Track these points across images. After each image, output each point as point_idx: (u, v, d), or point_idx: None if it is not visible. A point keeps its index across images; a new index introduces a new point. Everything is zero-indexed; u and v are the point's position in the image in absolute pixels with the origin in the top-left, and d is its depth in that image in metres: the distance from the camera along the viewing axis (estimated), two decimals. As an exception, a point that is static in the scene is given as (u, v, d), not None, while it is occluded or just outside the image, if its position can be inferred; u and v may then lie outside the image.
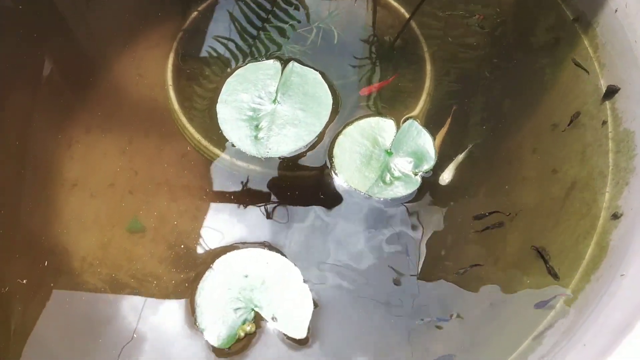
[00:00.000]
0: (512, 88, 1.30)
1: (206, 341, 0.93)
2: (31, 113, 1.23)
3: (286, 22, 1.34)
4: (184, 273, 1.03)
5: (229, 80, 1.18)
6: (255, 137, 1.11)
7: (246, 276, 0.96)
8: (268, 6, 1.38)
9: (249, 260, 0.96)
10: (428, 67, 1.29)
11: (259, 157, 1.10)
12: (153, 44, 1.31)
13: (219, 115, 1.13)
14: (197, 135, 1.16)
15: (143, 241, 1.07)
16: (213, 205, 1.12)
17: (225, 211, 1.12)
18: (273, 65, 1.21)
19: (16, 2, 1.36)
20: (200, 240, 1.09)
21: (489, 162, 1.20)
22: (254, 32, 1.33)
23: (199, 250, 1.07)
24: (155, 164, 1.15)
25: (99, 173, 1.14)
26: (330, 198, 1.10)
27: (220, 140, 1.14)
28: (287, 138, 1.11)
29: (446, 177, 1.09)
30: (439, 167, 1.13)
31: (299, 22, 1.34)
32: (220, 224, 1.09)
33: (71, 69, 1.30)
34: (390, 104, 1.24)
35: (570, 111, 1.28)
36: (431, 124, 1.19)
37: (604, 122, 1.24)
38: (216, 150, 1.13)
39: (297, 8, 1.37)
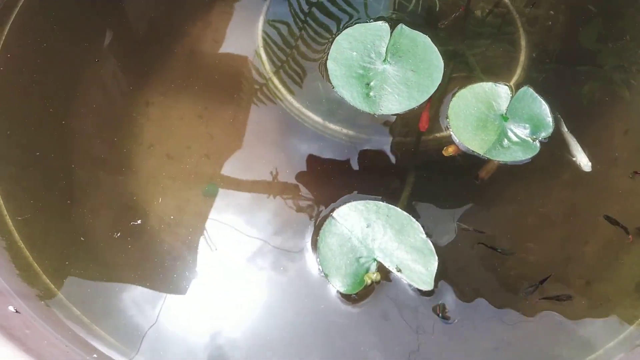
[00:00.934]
0: (607, 66, 1.25)
1: (332, 287, 0.91)
2: (111, 74, 1.22)
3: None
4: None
5: (337, 39, 1.17)
6: (367, 94, 1.10)
7: (368, 226, 0.94)
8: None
9: (369, 211, 0.95)
10: (522, 42, 1.27)
11: (372, 113, 1.09)
12: (227, 11, 1.29)
13: (330, 72, 1.12)
14: (289, 97, 1.14)
15: (218, 205, 1.06)
16: (292, 173, 1.09)
17: (307, 177, 1.09)
18: (381, 26, 1.19)
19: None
20: (275, 206, 1.06)
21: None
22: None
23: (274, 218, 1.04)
24: (230, 130, 1.14)
25: (176, 135, 1.13)
26: (445, 160, 1.08)
27: (313, 105, 1.12)
28: (400, 97, 1.10)
29: (585, 160, 1.05)
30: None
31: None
32: (304, 191, 1.07)
33: (146, 31, 1.29)
34: (487, 75, 1.22)
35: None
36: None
37: None
38: (308, 113, 1.11)
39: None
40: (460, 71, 1.22)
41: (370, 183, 1.08)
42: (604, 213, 1.07)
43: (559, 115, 1.16)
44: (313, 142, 1.14)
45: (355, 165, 1.10)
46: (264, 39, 1.25)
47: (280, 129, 1.16)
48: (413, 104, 1.09)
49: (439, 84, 1.13)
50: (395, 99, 1.10)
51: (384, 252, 0.94)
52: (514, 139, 1.06)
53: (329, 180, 1.09)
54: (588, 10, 1.36)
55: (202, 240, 1.03)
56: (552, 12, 1.37)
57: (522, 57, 1.24)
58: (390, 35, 1.18)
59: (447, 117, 1.09)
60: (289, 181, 1.09)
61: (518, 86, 1.16)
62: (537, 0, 1.34)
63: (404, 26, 1.20)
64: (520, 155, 1.04)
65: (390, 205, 0.97)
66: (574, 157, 1.09)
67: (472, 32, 1.31)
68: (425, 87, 1.11)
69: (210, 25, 1.28)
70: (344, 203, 1.00)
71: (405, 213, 0.96)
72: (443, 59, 1.16)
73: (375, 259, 0.93)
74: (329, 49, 1.17)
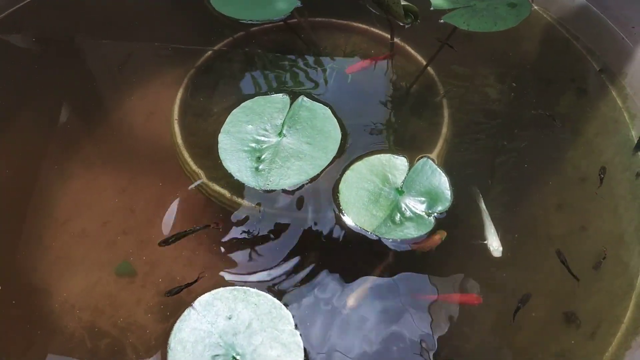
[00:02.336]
0: (535, 141, 1.23)
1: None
2: (31, 143, 1.20)
3: (300, 63, 1.32)
4: (171, 325, 0.92)
5: (234, 111, 1.14)
6: (256, 168, 1.04)
7: (230, 318, 0.85)
8: (283, 46, 1.37)
9: (234, 299, 0.86)
10: (446, 113, 1.23)
11: (258, 189, 1.03)
12: (167, 82, 1.29)
13: (219, 145, 1.07)
14: (198, 170, 1.09)
15: (131, 286, 0.99)
16: (211, 249, 1.03)
17: (224, 255, 1.02)
18: (282, 99, 1.16)
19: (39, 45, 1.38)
20: (193, 289, 0.98)
21: (511, 218, 1.10)
22: (267, 71, 1.32)
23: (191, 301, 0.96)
24: (154, 203, 1.09)
25: (94, 210, 1.08)
26: (335, 237, 1.01)
27: (222, 177, 1.08)
28: (289, 171, 1.04)
29: (496, 244, 0.98)
30: (454, 209, 1.03)
31: (318, 63, 1.32)
32: (217, 270, 1.00)
33: (80, 102, 1.28)
34: (405, 148, 1.17)
35: (599, 163, 1.19)
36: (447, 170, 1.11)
37: (638, 174, 1.14)
38: (216, 187, 1.06)
39: (312, 49, 1.36)
40: (378, 144, 1.17)
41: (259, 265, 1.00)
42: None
43: (477, 190, 1.09)
44: (226, 219, 1.08)
45: (259, 240, 1.03)
46: (180, 110, 1.22)
47: (203, 204, 1.10)
48: (304, 178, 1.03)
49: (340, 158, 1.08)
50: (286, 173, 1.04)
51: (245, 349, 0.84)
52: (408, 214, 0.99)
53: (233, 262, 1.02)
54: (518, 82, 1.34)
55: (105, 325, 0.94)
56: (480, 82, 1.35)
57: (445, 129, 1.19)
58: (290, 107, 1.15)
59: (338, 192, 1.02)
60: (211, 261, 1.01)
61: (440, 159, 1.12)
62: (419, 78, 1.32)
63: (304, 98, 1.16)
64: (412, 232, 0.96)
65: (261, 292, 0.88)
66: (484, 240, 1.01)
67: (395, 102, 1.28)
68: (318, 161, 1.05)
69: (147, 96, 1.27)
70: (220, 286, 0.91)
71: (277, 301, 0.87)
72: (355, 131, 1.12)
73: (233, 357, 0.83)
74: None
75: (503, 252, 1.00)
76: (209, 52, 1.33)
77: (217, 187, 1.06)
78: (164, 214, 1.07)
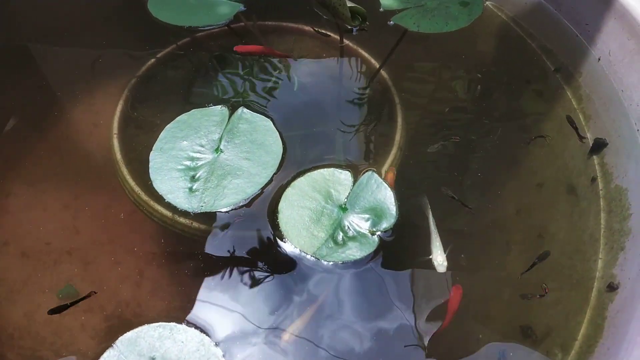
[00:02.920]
0: (492, 145, 1.18)
1: None
2: None
3: (247, 70, 1.25)
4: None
5: (168, 126, 1.07)
6: (190, 189, 0.97)
7: (153, 358, 0.78)
8: (229, 53, 1.30)
9: (159, 338, 0.79)
10: (399, 119, 1.18)
11: (191, 211, 0.96)
12: (111, 92, 1.22)
13: (150, 164, 1.00)
14: (136, 189, 1.02)
15: (75, 310, 0.92)
16: (159, 271, 0.97)
17: (168, 278, 0.96)
18: (220, 111, 1.10)
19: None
20: (141, 310, 0.92)
21: (470, 224, 1.05)
22: (211, 78, 1.25)
23: (139, 324, 0.90)
24: (100, 222, 1.03)
25: (36, 230, 1.02)
26: (273, 261, 0.94)
27: (161, 196, 1.01)
28: (226, 190, 0.97)
29: (440, 259, 0.93)
30: (401, 226, 0.98)
31: (266, 69, 1.25)
32: (164, 293, 0.93)
33: (20, 115, 1.21)
34: (356, 159, 1.12)
35: (556, 169, 1.15)
36: (402, 181, 1.06)
37: (594, 179, 1.10)
38: (156, 206, 0.99)
39: (260, 55, 1.29)
40: (325, 156, 1.11)
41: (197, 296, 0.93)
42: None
43: (426, 200, 1.04)
44: (171, 239, 1.01)
45: (202, 262, 0.97)
46: (120, 124, 1.15)
47: (152, 221, 1.03)
48: (241, 197, 0.97)
49: (281, 174, 1.02)
50: (222, 192, 0.97)
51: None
52: (351, 233, 0.93)
53: (179, 286, 0.95)
54: (474, 84, 1.29)
55: (47, 353, 0.88)
56: (434, 86, 1.30)
57: (398, 136, 1.14)
58: (228, 120, 1.08)
59: (277, 212, 0.96)
60: (153, 283, 0.94)
61: (397, 167, 1.06)
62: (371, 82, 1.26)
63: (244, 109, 1.10)
64: (355, 254, 0.90)
65: (189, 328, 0.82)
66: (429, 254, 0.96)
67: (345, 109, 1.22)
68: (257, 178, 0.99)
69: (90, 107, 1.20)
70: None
71: (206, 338, 0.81)
72: (301, 143, 1.06)
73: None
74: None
75: (461, 259, 0.95)
76: (152, 60, 1.26)
77: (157, 207, 0.99)
78: (109, 233, 1.01)
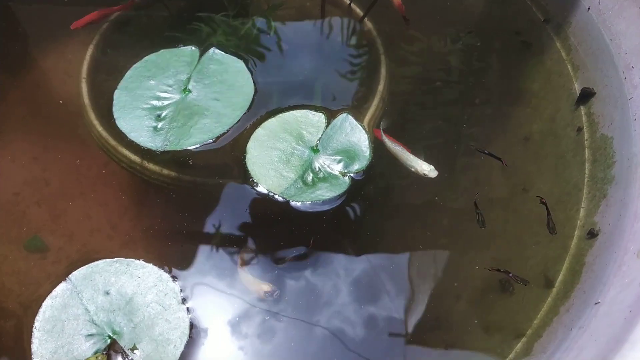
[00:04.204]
0: (478, 97, 1.14)
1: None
2: None
3: (221, 12, 1.20)
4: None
5: (135, 65, 1.02)
6: (155, 128, 0.93)
7: (107, 293, 0.74)
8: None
9: (115, 273, 0.75)
10: (383, 70, 1.13)
11: (155, 149, 0.91)
12: (85, 40, 1.16)
13: (114, 102, 0.96)
14: (104, 134, 0.98)
15: (43, 262, 0.89)
16: (130, 222, 0.93)
17: (138, 228, 0.92)
18: (190, 52, 1.05)
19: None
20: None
21: (454, 180, 1.01)
22: (186, 23, 1.19)
23: None
24: (71, 174, 0.99)
25: (4, 180, 0.98)
26: (238, 203, 0.90)
27: (131, 141, 0.96)
28: (192, 129, 0.93)
29: (425, 166, 0.89)
30: (374, 167, 0.93)
31: (244, 16, 1.20)
32: (131, 243, 0.89)
33: None
34: (339, 106, 1.07)
35: (543, 122, 1.11)
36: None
37: (579, 129, 1.07)
38: (124, 151, 0.95)
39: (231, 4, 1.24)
40: (301, 102, 1.06)
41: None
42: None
43: (382, 127, 0.99)
44: (142, 188, 0.97)
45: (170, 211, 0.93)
46: (89, 69, 1.10)
47: (124, 172, 0.99)
48: (207, 136, 0.92)
49: (251, 114, 0.97)
50: (188, 132, 0.93)
51: (122, 328, 0.74)
52: (321, 174, 0.89)
53: (149, 236, 0.91)
54: (461, 37, 1.24)
55: (13, 304, 0.85)
56: (421, 37, 1.25)
57: (381, 87, 1.09)
58: (198, 61, 1.03)
59: (245, 152, 0.92)
60: (124, 235, 0.91)
61: (375, 120, 1.02)
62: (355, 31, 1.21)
63: (216, 50, 1.05)
64: (324, 194, 0.86)
65: (146, 264, 0.78)
66: (412, 168, 0.91)
67: (327, 59, 1.18)
68: (225, 118, 0.94)
69: (64, 56, 1.14)
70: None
71: (164, 274, 0.78)
72: (275, 89, 1.01)
73: (109, 337, 0.73)
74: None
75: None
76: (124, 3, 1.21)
77: (126, 152, 0.95)
78: (81, 186, 0.97)
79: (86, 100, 1.04)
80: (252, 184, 0.90)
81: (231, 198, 0.93)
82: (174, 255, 0.88)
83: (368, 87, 1.12)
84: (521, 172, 1.06)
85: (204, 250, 0.89)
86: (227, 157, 0.94)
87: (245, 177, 0.92)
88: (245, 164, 0.90)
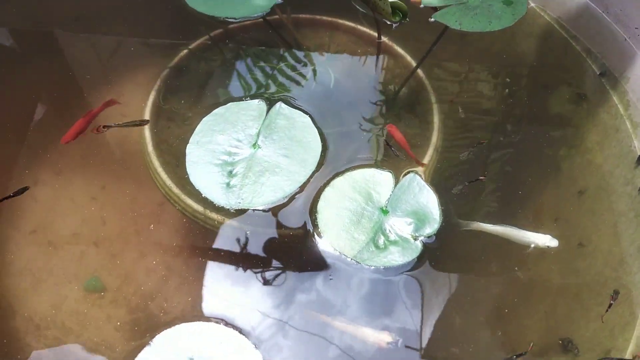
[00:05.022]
0: (531, 149, 1.13)
1: None
2: None
3: (281, 64, 1.21)
4: (142, 344, 0.83)
5: (205, 119, 1.03)
6: (228, 184, 0.93)
7: (191, 358, 0.75)
8: (263, 46, 1.25)
9: (197, 336, 0.75)
10: (436, 119, 1.13)
11: (229, 208, 0.92)
12: (140, 82, 1.18)
13: (187, 158, 0.96)
14: (168, 182, 0.99)
15: (101, 302, 0.90)
16: (185, 265, 0.93)
17: (198, 273, 0.93)
18: (257, 105, 1.05)
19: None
20: (167, 305, 0.89)
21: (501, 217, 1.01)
22: (245, 72, 1.20)
23: (164, 318, 0.87)
24: (127, 214, 1.00)
25: (63, 220, 0.99)
26: (312, 263, 0.90)
27: (194, 190, 0.97)
28: (264, 187, 0.93)
29: (543, 238, 0.89)
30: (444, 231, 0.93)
31: (300, 63, 1.21)
32: (190, 288, 0.90)
33: (50, 105, 1.18)
34: (392, 159, 1.07)
35: (599, 176, 1.09)
36: (438, 183, 1.01)
37: (641, 189, 1.05)
38: (188, 201, 0.95)
39: (295, 49, 1.25)
40: (362, 155, 1.06)
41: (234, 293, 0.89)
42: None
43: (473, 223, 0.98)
44: (200, 234, 0.98)
45: (235, 260, 0.93)
46: (152, 115, 1.11)
47: (180, 214, 1.00)
48: (279, 195, 0.92)
49: (320, 172, 0.97)
50: (260, 189, 0.93)
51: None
52: (392, 237, 0.88)
53: (208, 282, 0.92)
54: (514, 85, 1.24)
55: (73, 344, 0.86)
56: (472, 86, 1.25)
57: (435, 138, 1.09)
58: (266, 115, 1.03)
59: (316, 212, 0.92)
60: (179, 276, 0.91)
61: (431, 170, 1.01)
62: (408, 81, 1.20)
63: (282, 104, 1.05)
64: (397, 259, 0.85)
65: (228, 328, 0.78)
66: (531, 244, 0.90)
67: (381, 108, 1.18)
68: (296, 176, 0.95)
69: (121, 98, 1.16)
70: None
71: (245, 340, 0.77)
72: (338, 141, 1.01)
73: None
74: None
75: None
76: (184, 51, 1.22)
77: (189, 201, 0.96)
78: (137, 225, 0.97)
79: (150, 147, 1.05)
80: (323, 243, 0.90)
81: (300, 254, 0.92)
82: (245, 308, 0.88)
83: (422, 136, 1.11)
84: (575, 226, 1.05)
85: (267, 304, 0.89)
86: (298, 216, 0.94)
87: (315, 236, 0.92)
88: (317, 224, 0.90)
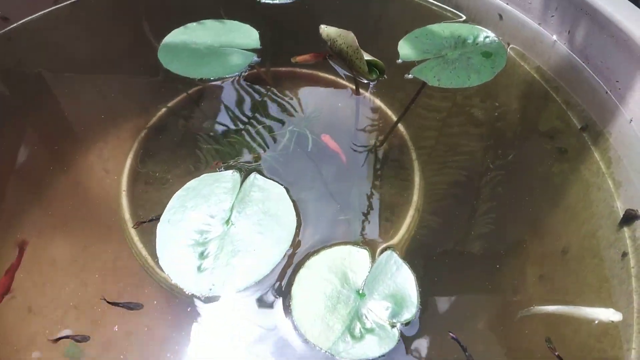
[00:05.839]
0: (513, 203, 1.08)
1: None
2: None
3: (258, 126, 1.16)
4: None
5: (177, 194, 0.98)
6: (199, 267, 0.88)
7: None
8: (240, 103, 1.21)
9: None
10: (417, 178, 1.08)
11: (199, 295, 0.87)
12: (124, 136, 1.14)
13: (157, 239, 0.91)
14: (144, 252, 0.94)
15: None
16: (166, 333, 0.88)
17: (176, 338, 0.88)
18: (232, 177, 1.00)
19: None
20: None
21: (491, 287, 0.96)
22: (222, 133, 1.16)
23: None
24: (109, 276, 0.95)
25: (43, 283, 0.94)
26: (280, 349, 0.85)
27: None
28: (236, 270, 0.88)
29: (607, 312, 0.86)
30: (424, 314, 0.87)
31: (278, 123, 1.16)
32: (171, 354, 0.85)
33: (33, 158, 1.13)
34: (372, 218, 1.02)
35: (582, 235, 1.05)
36: (417, 250, 0.96)
37: (624, 254, 1.00)
38: (164, 274, 0.90)
39: (270, 107, 1.20)
40: (339, 224, 1.02)
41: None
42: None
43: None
44: (178, 304, 0.93)
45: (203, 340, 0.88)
46: (129, 179, 1.07)
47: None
48: (252, 279, 0.87)
49: (294, 250, 0.92)
50: (233, 272, 0.88)
51: None
52: (369, 324, 0.83)
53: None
54: (492, 138, 1.19)
55: None
56: (451, 139, 1.20)
57: (416, 197, 1.04)
58: (240, 187, 0.99)
59: (289, 296, 0.87)
60: (160, 344, 0.86)
61: (411, 234, 0.96)
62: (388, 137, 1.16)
63: (257, 175, 1.00)
64: (374, 351, 0.80)
65: None
66: (595, 320, 0.86)
67: (361, 168, 1.13)
68: (270, 256, 0.90)
69: (103, 153, 1.12)
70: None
71: None
72: (314, 210, 0.96)
73: None
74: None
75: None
76: (163, 110, 1.18)
77: (164, 275, 0.91)
78: (118, 288, 0.93)
79: (127, 215, 1.01)
80: (296, 334, 0.85)
81: (273, 344, 0.87)
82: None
83: (402, 196, 1.07)
84: (560, 287, 1.00)
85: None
86: (271, 300, 0.89)
87: (289, 323, 0.87)
88: (291, 311, 0.85)
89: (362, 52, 1.12)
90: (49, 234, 1.00)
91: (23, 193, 1.07)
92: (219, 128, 1.18)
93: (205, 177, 0.99)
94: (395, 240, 0.97)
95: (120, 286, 0.93)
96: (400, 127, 1.17)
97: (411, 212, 1.02)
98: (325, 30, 1.17)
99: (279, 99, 1.23)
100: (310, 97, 1.23)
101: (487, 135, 1.18)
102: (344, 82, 1.26)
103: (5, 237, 1.00)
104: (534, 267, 1.01)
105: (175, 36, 1.24)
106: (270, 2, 1.43)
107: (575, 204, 1.09)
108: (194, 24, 1.28)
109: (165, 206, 0.97)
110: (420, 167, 1.11)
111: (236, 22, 1.29)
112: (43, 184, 1.07)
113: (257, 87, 1.23)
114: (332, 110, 1.23)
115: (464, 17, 1.41)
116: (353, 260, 0.89)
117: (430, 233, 1.02)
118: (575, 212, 1.08)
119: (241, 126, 1.16)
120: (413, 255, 0.95)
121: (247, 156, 1.10)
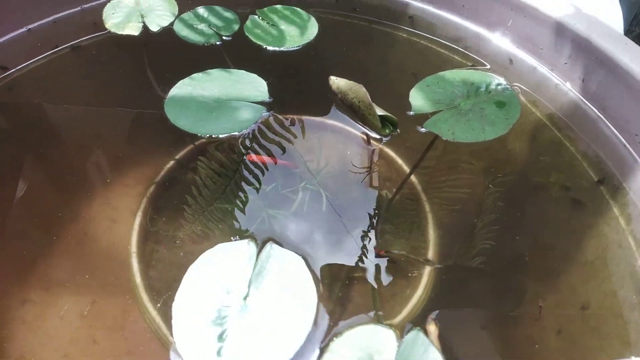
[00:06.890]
0: (528, 255, 1.02)
1: None
2: None
3: (267, 187, 1.10)
4: None
5: (191, 267, 0.91)
6: (218, 352, 0.82)
7: None
8: (248, 161, 1.15)
9: None
10: (431, 232, 1.03)
11: (219, 386, 0.80)
12: (129, 183, 1.08)
13: (173, 320, 0.84)
14: (157, 319, 0.87)
15: None
16: None
17: None
18: (247, 246, 0.94)
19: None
20: None
21: (509, 342, 0.90)
22: (233, 188, 1.09)
23: None
24: (118, 332, 0.88)
25: (52, 342, 0.87)
26: None
27: None
28: (258, 354, 0.81)
29: None
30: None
31: (290, 179, 1.10)
32: None
33: (39, 210, 1.06)
34: (389, 280, 0.97)
35: (602, 293, 1.00)
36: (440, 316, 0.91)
37: (650, 320, 0.95)
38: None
39: (282, 153, 1.14)
40: (357, 297, 0.96)
41: None
42: None
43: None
44: None
45: None
46: (139, 240, 1.00)
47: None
48: (275, 365, 0.81)
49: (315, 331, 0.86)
50: (255, 356, 0.82)
51: None
52: (399, 414, 0.77)
53: None
54: (504, 188, 1.14)
55: None
56: (464, 191, 1.15)
57: (430, 253, 0.99)
58: (257, 258, 0.92)
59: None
60: None
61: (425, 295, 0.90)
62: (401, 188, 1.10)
63: (273, 245, 0.94)
64: None
65: None
66: None
67: (375, 226, 1.07)
68: (290, 340, 0.83)
69: (110, 202, 1.06)
70: None
71: None
72: (331, 279, 0.91)
73: None
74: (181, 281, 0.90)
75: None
76: (171, 163, 1.11)
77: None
78: (128, 344, 0.87)
79: (138, 279, 0.94)
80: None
81: None
82: None
83: (418, 250, 1.02)
84: (581, 346, 0.95)
85: None
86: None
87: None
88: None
89: (375, 106, 1.06)
90: (56, 290, 0.93)
91: (30, 248, 0.99)
92: (227, 180, 1.11)
93: (220, 248, 0.92)
94: (417, 292, 0.91)
95: (130, 341, 0.87)
96: (413, 178, 1.12)
97: (427, 269, 0.97)
98: (336, 82, 1.11)
99: (291, 145, 1.17)
100: (321, 146, 1.17)
101: (499, 185, 1.12)
102: (353, 130, 1.20)
103: (10, 297, 0.93)
104: (552, 320, 0.96)
105: (181, 88, 1.17)
106: (278, 49, 1.37)
107: (594, 260, 1.04)
108: (200, 74, 1.21)
109: (177, 268, 0.91)
110: (434, 218, 1.05)
111: (243, 71, 1.22)
112: (49, 237, 1.00)
113: (258, 140, 1.17)
114: (342, 161, 1.17)
115: (472, 63, 1.36)
116: (378, 340, 0.83)
117: (448, 289, 0.97)
118: (594, 268, 1.03)
119: (250, 176, 1.10)
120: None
121: (257, 215, 1.04)
